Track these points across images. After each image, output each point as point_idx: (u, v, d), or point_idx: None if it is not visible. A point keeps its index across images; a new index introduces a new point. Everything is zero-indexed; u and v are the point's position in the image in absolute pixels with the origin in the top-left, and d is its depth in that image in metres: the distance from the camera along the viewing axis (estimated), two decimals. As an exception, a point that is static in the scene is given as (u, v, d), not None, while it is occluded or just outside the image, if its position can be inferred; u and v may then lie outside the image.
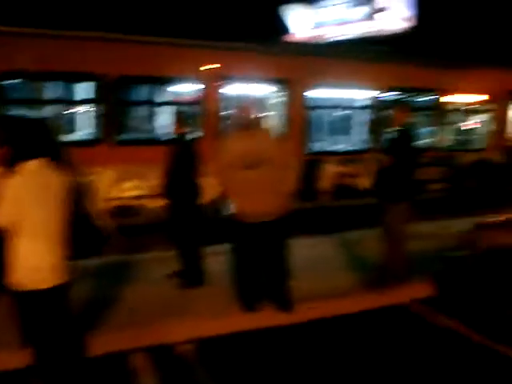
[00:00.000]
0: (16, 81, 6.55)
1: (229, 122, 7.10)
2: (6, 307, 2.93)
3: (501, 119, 10.44)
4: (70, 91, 7.73)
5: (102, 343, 3.75)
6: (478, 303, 4.50)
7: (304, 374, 3.65)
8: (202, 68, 7.40)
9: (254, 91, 7.77)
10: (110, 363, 3.69)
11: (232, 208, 4.17)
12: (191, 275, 4.91)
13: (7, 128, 3.11)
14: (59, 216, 2.92)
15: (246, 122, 4.14)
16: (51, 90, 7.15)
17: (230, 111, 7.13)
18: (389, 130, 5.17)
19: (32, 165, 2.81)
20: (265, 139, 4.19)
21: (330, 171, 8.41)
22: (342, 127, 9.64)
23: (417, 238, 6.44)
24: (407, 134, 5.00)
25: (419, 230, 6.97)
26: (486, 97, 10.20)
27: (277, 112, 7.97)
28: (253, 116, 4.11)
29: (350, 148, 8.55)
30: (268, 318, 4.40)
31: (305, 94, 8.01)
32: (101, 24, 7.50)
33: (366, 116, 8.61)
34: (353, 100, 9.04)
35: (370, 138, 8.64)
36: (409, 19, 19.12)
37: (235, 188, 4.10)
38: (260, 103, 4.21)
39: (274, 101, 7.97)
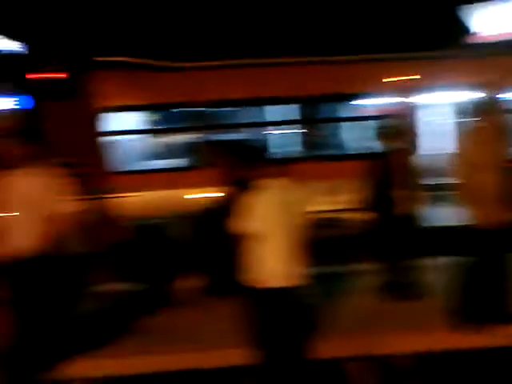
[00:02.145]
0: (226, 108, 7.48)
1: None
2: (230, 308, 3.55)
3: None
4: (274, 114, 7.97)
5: (322, 348, 3.85)
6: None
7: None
8: (400, 80, 7.32)
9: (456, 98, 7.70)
10: (325, 368, 3.93)
11: (471, 217, 4.10)
12: (405, 288, 4.94)
13: (237, 152, 3.68)
14: (295, 228, 3.40)
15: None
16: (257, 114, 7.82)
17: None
18: None
19: (273, 182, 3.36)
20: None
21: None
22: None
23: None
24: None
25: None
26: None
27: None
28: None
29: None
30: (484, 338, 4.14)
31: None
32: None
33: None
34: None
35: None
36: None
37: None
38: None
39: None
